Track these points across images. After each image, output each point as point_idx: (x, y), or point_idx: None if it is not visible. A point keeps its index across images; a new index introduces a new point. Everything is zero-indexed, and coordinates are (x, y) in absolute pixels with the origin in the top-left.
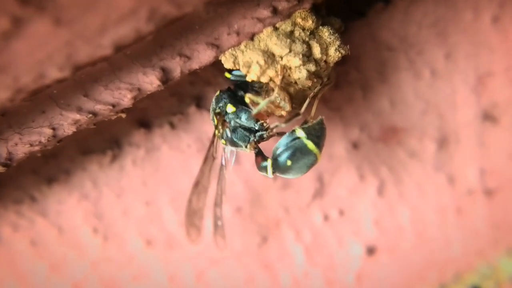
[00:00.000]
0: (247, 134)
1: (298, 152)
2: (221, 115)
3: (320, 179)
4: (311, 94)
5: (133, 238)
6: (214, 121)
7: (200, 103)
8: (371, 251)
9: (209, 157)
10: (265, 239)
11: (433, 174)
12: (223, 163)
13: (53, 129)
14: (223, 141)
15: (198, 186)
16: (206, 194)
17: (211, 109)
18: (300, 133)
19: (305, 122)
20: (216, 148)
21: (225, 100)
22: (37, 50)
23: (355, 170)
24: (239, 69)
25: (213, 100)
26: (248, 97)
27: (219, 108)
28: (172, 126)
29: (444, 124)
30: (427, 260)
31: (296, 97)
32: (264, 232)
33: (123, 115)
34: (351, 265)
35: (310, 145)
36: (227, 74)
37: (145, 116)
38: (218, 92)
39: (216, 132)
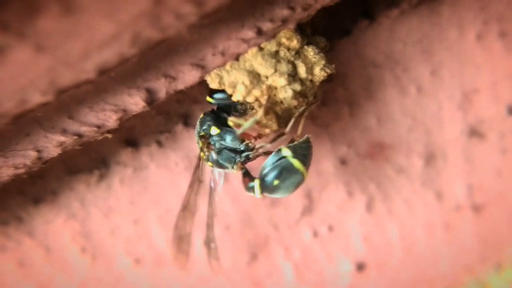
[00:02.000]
0: (233, 155)
1: (284, 171)
2: (205, 138)
3: (308, 195)
4: (297, 113)
5: (122, 257)
6: (199, 144)
7: (187, 121)
8: (360, 267)
9: (195, 180)
10: (255, 257)
11: (421, 190)
12: (212, 185)
13: (38, 151)
14: (209, 163)
15: (185, 211)
16: (193, 219)
17: (195, 132)
18: (286, 152)
19: (292, 140)
20: (202, 171)
21: (209, 123)
22: (19, 77)
23: (343, 187)
24: (220, 92)
25: (197, 123)
26: (231, 120)
27: (203, 131)
28: (160, 144)
29: (431, 140)
30: (416, 276)
31: (283, 116)
32: (253, 249)
33: (109, 136)
34: (341, 282)
35: (297, 163)
36: (208, 99)
37: (132, 135)
38: (201, 115)
39: (202, 154)
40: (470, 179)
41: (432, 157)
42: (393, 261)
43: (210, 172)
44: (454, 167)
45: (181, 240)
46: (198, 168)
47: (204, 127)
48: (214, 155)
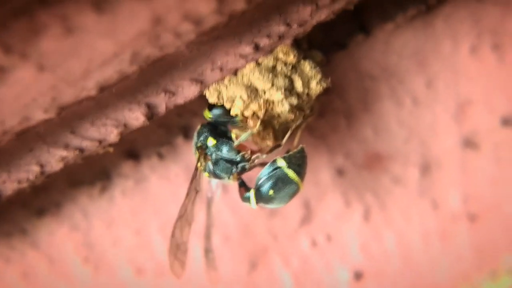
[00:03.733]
0: (229, 165)
1: (279, 182)
2: (202, 149)
3: (306, 205)
4: (293, 126)
5: (124, 267)
6: (196, 155)
7: (187, 133)
8: (358, 275)
9: (192, 190)
10: (254, 266)
11: (417, 200)
12: (209, 195)
13: (41, 166)
14: (206, 174)
15: (182, 220)
16: (189, 228)
17: (193, 143)
18: (281, 162)
19: (287, 151)
20: (199, 181)
21: (206, 134)
22: (21, 95)
23: (340, 197)
24: (218, 107)
25: (195, 134)
26: (234, 133)
27: (200, 142)
28: (161, 156)
29: (426, 151)
30: (413, 284)
31: (280, 129)
32: (252, 259)
33: (111, 150)
34: None
35: (291, 174)
36: (207, 114)
37: (133, 148)
38: (199, 127)
39: (198, 165)
40: (465, 189)
41: (428, 167)
42: (391, 269)
43: (208, 183)
44: (450, 177)
45: (177, 249)
46: (195, 178)
47: (201, 138)
48: (210, 166)
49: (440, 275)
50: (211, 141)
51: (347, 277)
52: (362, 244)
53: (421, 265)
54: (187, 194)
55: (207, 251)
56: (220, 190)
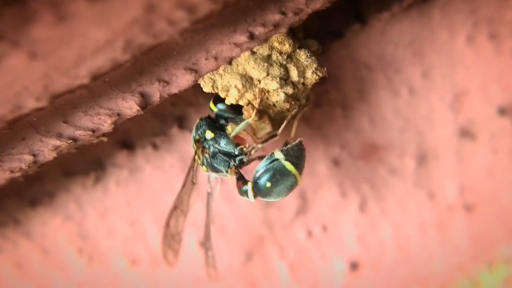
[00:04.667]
0: (227, 159)
1: (277, 174)
2: (200, 142)
3: (302, 196)
4: (289, 116)
5: (118, 257)
6: (194, 148)
7: (182, 123)
8: (354, 266)
9: (188, 182)
10: (250, 257)
11: (414, 190)
12: (209, 191)
13: (34, 155)
14: (204, 167)
15: (176, 210)
16: (184, 218)
17: (191, 137)
18: (278, 154)
19: (285, 143)
20: (196, 173)
21: (204, 127)
22: (13, 83)
23: (336, 187)
24: (224, 103)
25: (193, 128)
26: (230, 126)
27: (198, 135)
28: (155, 146)
29: (423, 141)
30: (410, 275)
31: (275, 119)
32: (248, 250)
33: (104, 139)
34: (335, 281)
35: (289, 166)
36: (212, 107)
37: (127, 138)
38: (198, 121)
39: (196, 158)
40: (461, 179)
41: (424, 158)
42: (387, 260)
43: (207, 179)
44: (446, 167)
45: (171, 239)
46: (192, 169)
47: (199, 132)
48: (208, 159)
49: (437, 265)
50: (209, 134)
51: (343, 267)
52: (358, 235)
53: (417, 256)
54: (183, 185)
55: (207, 249)
56: (219, 186)
